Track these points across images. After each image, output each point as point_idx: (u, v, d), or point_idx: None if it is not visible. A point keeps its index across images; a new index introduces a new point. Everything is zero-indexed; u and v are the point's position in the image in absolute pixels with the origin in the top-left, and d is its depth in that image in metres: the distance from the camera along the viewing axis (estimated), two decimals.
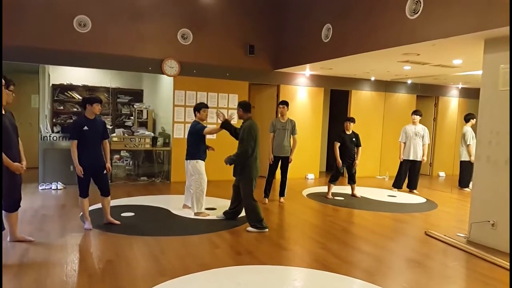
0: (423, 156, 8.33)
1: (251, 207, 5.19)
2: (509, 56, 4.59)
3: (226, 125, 5.45)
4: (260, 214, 5.20)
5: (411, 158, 8.33)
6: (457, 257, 4.62)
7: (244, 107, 5.36)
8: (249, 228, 5.18)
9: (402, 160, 8.42)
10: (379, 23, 5.91)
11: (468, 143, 8.68)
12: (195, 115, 5.81)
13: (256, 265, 4.07)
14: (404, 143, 8.38)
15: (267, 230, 5.17)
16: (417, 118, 8.36)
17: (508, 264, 4.26)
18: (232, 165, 5.27)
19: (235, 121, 5.63)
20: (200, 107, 5.77)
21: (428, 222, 6.05)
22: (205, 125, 5.78)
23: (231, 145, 5.37)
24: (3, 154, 3.77)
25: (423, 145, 8.31)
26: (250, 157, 5.14)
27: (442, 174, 11.14)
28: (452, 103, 11.24)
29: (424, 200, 7.71)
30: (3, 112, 4.01)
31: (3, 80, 3.94)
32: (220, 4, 8.37)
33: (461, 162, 8.99)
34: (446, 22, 4.88)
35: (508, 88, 4.66)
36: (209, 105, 8.22)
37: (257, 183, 5.36)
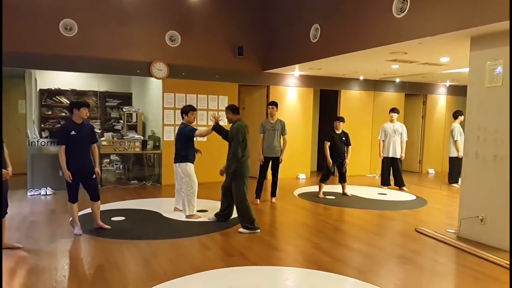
0: (401, 153, 8.43)
1: (243, 208, 5.18)
2: (493, 53, 4.66)
3: (217, 128, 5.47)
4: (252, 214, 5.20)
5: (390, 156, 8.45)
6: (448, 253, 4.65)
7: (233, 110, 5.40)
8: (241, 229, 5.17)
9: (382, 158, 8.52)
10: (366, 22, 5.94)
11: (455, 139, 8.80)
12: (183, 118, 5.78)
13: (248, 266, 4.06)
14: (383, 141, 8.46)
15: (259, 231, 5.17)
16: (395, 115, 8.48)
17: (497, 258, 4.30)
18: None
19: (224, 123, 5.61)
20: (187, 110, 5.75)
21: (418, 219, 6.09)
22: (194, 127, 5.75)
23: (220, 147, 5.36)
24: None
25: (401, 142, 8.42)
26: (242, 157, 5.15)
27: (431, 171, 11.23)
28: (440, 100, 11.35)
29: (414, 197, 7.76)
30: None
31: None
32: (208, 5, 8.34)
33: (450, 158, 9.11)
34: (432, 20, 4.92)
35: (494, 85, 4.72)
36: (199, 107, 8.34)
37: (249, 184, 5.35)
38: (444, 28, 4.79)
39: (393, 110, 8.54)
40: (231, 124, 5.42)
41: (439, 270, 4.16)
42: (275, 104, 6.89)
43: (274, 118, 6.85)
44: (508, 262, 4.18)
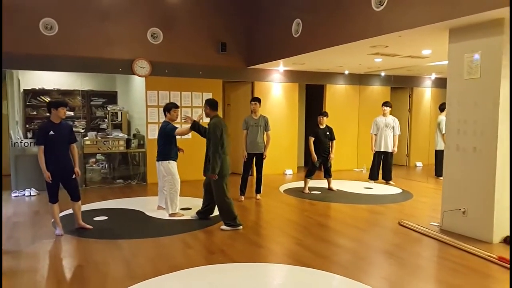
0: (394, 147, 8.43)
1: (224, 205, 5.16)
2: (472, 45, 4.68)
3: (195, 126, 5.41)
4: (234, 211, 5.18)
5: (382, 150, 8.44)
6: (431, 246, 4.68)
7: (211, 105, 5.32)
8: (223, 227, 5.15)
9: (374, 152, 8.51)
10: (346, 16, 5.94)
11: (443, 132, 8.78)
12: (165, 116, 5.75)
13: (228, 263, 4.04)
14: (376, 135, 8.46)
15: (241, 227, 5.16)
16: (387, 109, 8.46)
17: (478, 250, 4.34)
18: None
19: (205, 120, 5.58)
20: (170, 107, 5.71)
21: (403, 213, 6.12)
22: (176, 125, 5.71)
23: (203, 145, 5.31)
24: None
25: (394, 136, 8.41)
26: (220, 154, 5.10)
27: (419, 164, 11.29)
28: (426, 93, 11.40)
29: (400, 190, 7.79)
30: None
31: None
32: (190, 1, 8.29)
33: (436, 151, 9.12)
34: (411, 13, 4.92)
35: (473, 77, 4.75)
36: (183, 105, 8.29)
37: (232, 180, 5.33)
38: (423, 20, 4.79)
39: (386, 103, 8.52)
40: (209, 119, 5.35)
41: (421, 263, 4.18)
42: (258, 100, 6.87)
43: (257, 114, 6.83)
44: (489, 254, 4.21)
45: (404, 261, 4.20)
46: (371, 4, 5.41)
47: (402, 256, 4.33)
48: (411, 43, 6.02)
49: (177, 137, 5.73)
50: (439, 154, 9.07)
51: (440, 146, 8.91)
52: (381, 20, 5.32)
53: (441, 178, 8.84)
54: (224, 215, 5.19)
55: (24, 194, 7.13)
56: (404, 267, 4.04)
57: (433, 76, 11.03)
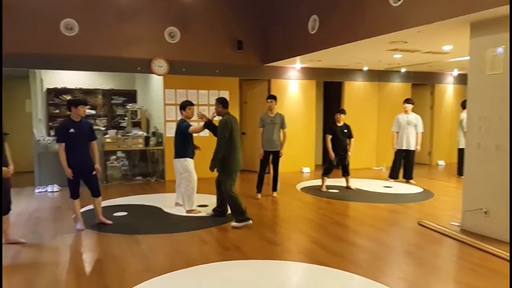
0: (416, 145, 8.25)
1: (232, 200, 5.18)
2: (494, 39, 4.55)
3: (208, 125, 5.45)
4: (241, 205, 5.18)
5: (404, 148, 8.24)
6: (450, 247, 4.57)
7: (222, 103, 5.36)
8: (233, 224, 5.16)
9: (396, 150, 8.36)
10: (363, 12, 5.86)
11: (465, 129, 8.59)
12: (181, 113, 5.81)
13: (242, 260, 4.06)
14: (397, 132, 8.31)
15: (251, 221, 5.15)
16: (409, 106, 8.27)
17: (500, 251, 4.22)
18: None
19: (217, 118, 5.60)
20: (185, 105, 5.77)
21: (423, 212, 6.00)
22: (190, 123, 5.76)
23: None
24: None
25: (416, 134, 8.23)
26: (229, 151, 5.12)
27: (441, 163, 11.05)
28: (449, 90, 11.14)
29: (421, 189, 7.64)
30: None
31: None
32: (206, 0, 8.32)
33: (459, 149, 8.88)
34: (430, 7, 4.82)
35: (495, 73, 4.62)
36: (200, 103, 8.36)
37: (249, 178, 5.34)
38: (443, 15, 4.68)
39: (407, 101, 8.34)
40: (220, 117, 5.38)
41: (440, 264, 4.09)
42: (274, 97, 6.86)
43: (274, 112, 6.82)
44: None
45: (422, 261, 4.12)
46: None
47: (420, 256, 4.25)
48: (431, 39, 5.90)
49: (194, 134, 5.78)
50: (461, 153, 8.86)
51: (463, 144, 8.67)
52: (399, 15, 5.23)
53: (464, 177, 8.72)
54: (232, 208, 5.21)
55: (46, 190, 7.33)
56: (422, 267, 3.96)
57: (456, 72, 10.77)
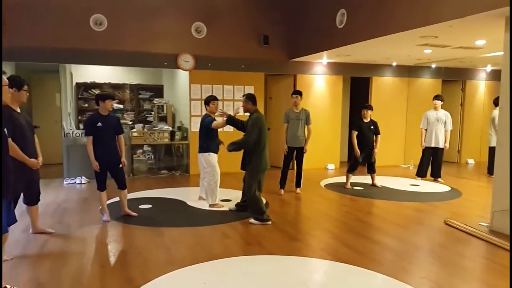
0: (445, 143, 8.02)
1: (253, 199, 5.16)
2: None
3: (231, 121, 5.45)
4: (262, 206, 5.16)
5: (433, 145, 8.02)
6: (478, 248, 4.44)
7: (252, 100, 5.32)
8: (252, 220, 5.15)
9: (424, 148, 8.15)
10: (393, 6, 5.73)
11: (498, 127, 8.33)
12: (206, 108, 5.84)
13: (264, 255, 4.06)
14: (426, 129, 8.09)
15: (270, 222, 5.10)
16: (439, 103, 8.03)
17: None
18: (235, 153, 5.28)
19: (241, 113, 5.58)
20: (209, 100, 5.79)
21: (450, 211, 5.85)
22: (214, 118, 5.78)
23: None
24: (20, 151, 3.92)
25: (445, 131, 8.00)
26: (257, 150, 5.09)
27: (471, 161, 10.74)
28: (480, 86, 10.78)
29: (449, 188, 7.45)
30: (19, 111, 4.16)
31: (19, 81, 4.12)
32: None
33: (490, 148, 8.63)
34: (461, 1, 4.66)
35: None
36: (225, 98, 8.39)
37: (272, 174, 5.31)
38: (475, 8, 4.52)
39: (437, 97, 8.11)
40: (248, 114, 5.35)
41: (466, 264, 3.98)
42: (299, 93, 6.80)
43: (299, 107, 6.77)
44: None
45: (447, 261, 4.02)
46: None
47: (445, 256, 4.15)
48: (464, 33, 5.72)
49: (219, 129, 5.81)
50: (492, 151, 8.58)
51: (494, 142, 8.46)
52: (430, 9, 5.08)
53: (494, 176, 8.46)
54: (252, 208, 5.20)
55: (75, 182, 7.54)
56: (447, 268, 3.86)
57: (489, 68, 10.40)
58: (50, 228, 4.73)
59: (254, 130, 5.07)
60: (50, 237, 4.54)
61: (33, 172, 4.29)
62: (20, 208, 4.54)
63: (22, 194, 4.35)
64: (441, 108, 8.12)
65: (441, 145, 8.01)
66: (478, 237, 4.67)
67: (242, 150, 5.33)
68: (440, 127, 7.96)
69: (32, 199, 4.49)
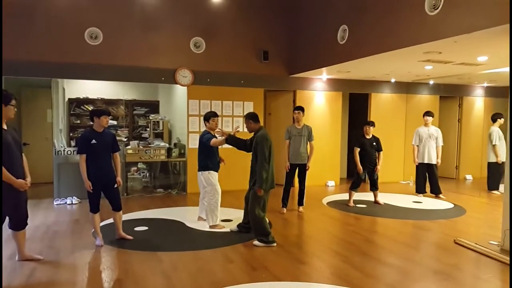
0: (437, 158, 7.96)
1: (256, 220, 4.90)
2: None
3: (231, 140, 5.19)
4: (267, 227, 4.92)
5: (426, 162, 7.99)
6: (491, 268, 4.27)
7: (254, 118, 5.10)
8: (256, 242, 4.89)
9: (417, 164, 8.07)
10: (397, 21, 5.62)
11: (494, 143, 8.35)
12: (205, 125, 5.62)
13: (272, 282, 3.81)
14: (418, 146, 8.02)
15: (275, 244, 4.86)
16: (430, 119, 8.01)
17: None
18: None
19: (241, 130, 5.32)
20: (209, 116, 5.57)
21: (456, 230, 5.68)
22: (214, 134, 5.55)
23: (245, 155, 5.13)
24: (5, 171, 3.65)
25: (437, 147, 7.95)
26: (267, 168, 4.85)
27: (469, 177, 10.66)
28: (477, 103, 10.78)
29: (452, 205, 7.31)
30: (5, 128, 3.89)
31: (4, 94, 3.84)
32: (232, 10, 8.23)
33: (489, 163, 8.63)
34: (468, 16, 4.57)
35: None
36: (224, 114, 8.19)
37: (274, 192, 5.10)
38: (481, 24, 4.42)
39: (428, 113, 8.09)
40: (252, 133, 5.12)
41: (481, 286, 3.80)
42: (301, 109, 6.64)
43: (301, 124, 6.60)
44: None
45: (462, 283, 3.83)
46: (424, 8, 5.08)
47: (459, 277, 3.97)
48: (467, 49, 5.62)
49: (220, 146, 5.58)
50: (491, 167, 8.53)
51: (492, 158, 8.41)
52: (436, 24, 4.98)
53: (495, 192, 8.38)
54: (256, 229, 4.93)
55: (66, 202, 7.20)
56: None
57: (485, 84, 10.40)
58: (38, 255, 4.39)
59: (264, 148, 4.82)
60: (38, 264, 4.21)
61: (21, 194, 4.00)
62: (5, 232, 4.24)
63: (7, 218, 4.03)
64: (439, 123, 8.08)
65: (433, 161, 7.98)
66: (491, 257, 4.52)
67: (250, 168, 5.09)
68: (432, 143, 7.96)
69: (19, 224, 4.15)
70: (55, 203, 7.20)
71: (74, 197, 7.27)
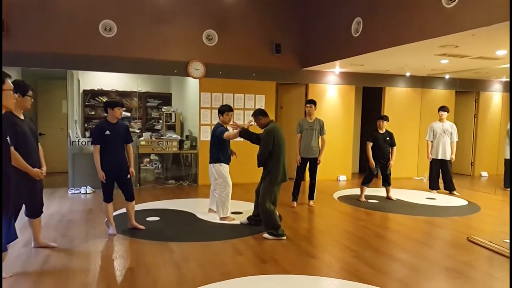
0: (451, 154, 7.83)
1: (267, 213, 4.90)
2: None
3: (244, 134, 5.20)
4: (277, 220, 4.91)
5: (439, 157, 7.86)
6: (504, 266, 4.19)
7: (262, 114, 5.10)
8: (265, 235, 4.89)
9: (431, 160, 7.96)
10: (413, 13, 5.53)
11: None
12: (219, 118, 5.63)
13: (281, 274, 3.82)
14: (432, 141, 7.90)
15: (284, 238, 4.86)
16: (445, 114, 7.86)
17: None
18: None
19: (254, 124, 5.33)
20: (223, 110, 5.57)
21: (470, 227, 5.60)
22: (227, 127, 5.56)
23: (256, 148, 5.12)
24: (22, 160, 3.72)
25: (451, 142, 7.82)
26: (273, 163, 4.86)
27: (484, 174, 10.47)
28: (495, 98, 10.56)
29: (466, 202, 7.20)
30: (22, 118, 3.97)
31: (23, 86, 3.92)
32: (244, 3, 8.19)
33: (506, 160, 8.44)
34: (486, 8, 4.46)
35: None
36: (235, 107, 8.19)
37: (285, 185, 5.09)
38: (501, 16, 4.31)
39: (442, 108, 7.96)
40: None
41: (495, 286, 3.74)
42: (313, 102, 6.59)
43: (312, 117, 6.56)
44: None
45: (475, 281, 3.77)
46: (441, 0, 4.98)
47: (472, 275, 3.91)
48: (485, 43, 5.49)
49: (231, 140, 5.58)
50: (508, 164, 8.38)
51: (508, 154, 8.26)
52: (453, 17, 4.88)
53: None
54: (266, 222, 4.93)
55: (80, 192, 7.32)
56: None
57: (504, 79, 10.17)
58: (53, 242, 4.49)
59: (267, 141, 4.85)
60: (53, 251, 4.30)
61: (36, 183, 4.07)
62: (22, 220, 4.33)
63: (24, 206, 4.12)
64: (454, 118, 7.93)
65: (448, 157, 7.84)
66: (504, 255, 4.43)
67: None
68: (446, 138, 7.83)
69: (35, 212, 4.26)
70: (69, 192, 7.32)
71: (88, 186, 7.38)
